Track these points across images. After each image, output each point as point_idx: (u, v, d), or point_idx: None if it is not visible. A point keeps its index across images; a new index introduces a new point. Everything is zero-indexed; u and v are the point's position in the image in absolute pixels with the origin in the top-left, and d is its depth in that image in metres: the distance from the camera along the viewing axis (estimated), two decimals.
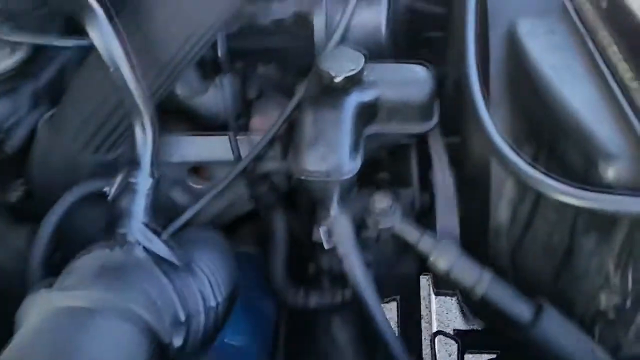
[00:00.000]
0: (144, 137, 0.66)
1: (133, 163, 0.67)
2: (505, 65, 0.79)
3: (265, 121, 1.05)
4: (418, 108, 0.81)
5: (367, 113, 0.81)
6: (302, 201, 0.98)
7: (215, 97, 0.99)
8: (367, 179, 0.85)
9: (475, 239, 0.81)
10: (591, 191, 0.56)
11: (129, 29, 0.70)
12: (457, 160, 0.90)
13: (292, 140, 0.83)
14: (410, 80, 0.81)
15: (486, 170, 0.80)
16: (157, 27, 0.69)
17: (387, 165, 0.95)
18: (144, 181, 0.66)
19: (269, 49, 1.03)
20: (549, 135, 0.67)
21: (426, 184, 0.88)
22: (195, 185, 1.07)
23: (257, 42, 1.01)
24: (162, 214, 0.74)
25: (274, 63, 1.07)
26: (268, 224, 0.94)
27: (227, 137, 1.01)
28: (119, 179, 0.66)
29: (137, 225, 0.64)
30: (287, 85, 1.08)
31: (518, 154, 0.65)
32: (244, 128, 1.06)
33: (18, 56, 0.76)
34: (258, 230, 1.11)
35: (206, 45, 0.75)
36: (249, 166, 0.95)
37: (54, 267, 0.72)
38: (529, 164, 0.63)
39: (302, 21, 0.99)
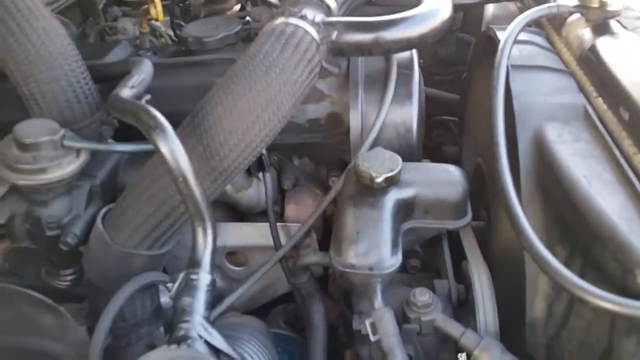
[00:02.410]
0: (204, 240, 0.71)
1: (193, 262, 0.71)
2: (534, 167, 0.85)
3: (300, 210, 1.11)
4: (453, 206, 0.86)
5: (405, 210, 0.86)
6: (338, 290, 1.02)
7: (256, 190, 1.05)
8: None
9: (508, 327, 0.83)
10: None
11: (191, 140, 0.77)
12: (481, 244, 0.94)
13: (333, 235, 0.87)
14: (446, 181, 0.87)
15: (519, 261, 0.84)
16: (219, 139, 0.76)
17: (418, 252, 1.00)
18: (204, 278, 0.70)
19: (304, 144, 1.10)
20: (584, 241, 0.72)
21: (459, 275, 0.92)
22: (233, 268, 1.11)
23: (293, 138, 1.08)
24: None
25: (307, 156, 1.14)
26: (306, 311, 0.97)
27: (262, 224, 1.07)
28: (180, 276, 0.70)
29: (198, 319, 0.67)
30: (320, 177, 1.15)
31: (555, 258, 0.69)
32: (279, 216, 1.12)
33: (82, 160, 0.82)
34: (290, 312, 1.14)
35: (260, 151, 0.81)
36: (287, 255, 1.00)
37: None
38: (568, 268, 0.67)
39: (336, 120, 1.07)
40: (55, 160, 0.79)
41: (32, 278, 0.94)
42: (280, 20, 0.86)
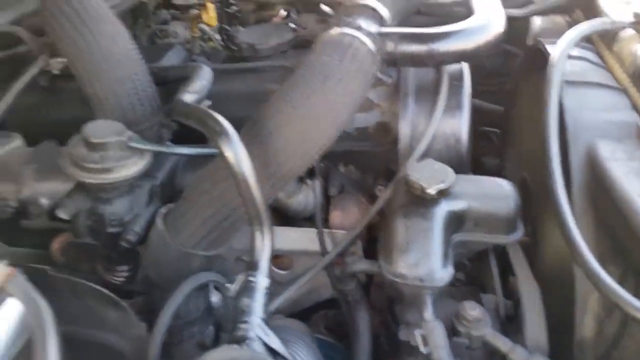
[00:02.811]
0: (262, 243, 0.73)
1: (251, 265, 0.74)
2: (586, 184, 0.85)
3: (345, 217, 1.13)
4: (504, 221, 0.87)
5: (455, 222, 0.87)
6: (381, 299, 1.03)
7: (305, 196, 1.07)
8: None
9: (554, 345, 0.83)
10: None
11: (251, 146, 0.79)
12: (528, 259, 0.94)
13: (382, 244, 0.89)
14: (497, 194, 0.88)
15: (568, 279, 0.84)
16: (279, 146, 0.79)
17: (465, 265, 1.00)
18: (262, 280, 0.72)
19: (351, 152, 1.12)
20: (638, 260, 0.72)
21: (506, 290, 0.92)
22: (278, 272, 1.14)
23: (341, 145, 1.10)
24: None
25: (354, 164, 1.16)
26: (352, 318, 0.99)
27: (307, 230, 1.09)
28: (239, 278, 0.72)
29: (256, 321, 0.69)
30: (365, 185, 1.16)
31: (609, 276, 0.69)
32: (323, 221, 1.14)
33: (145, 161, 0.85)
34: (331, 318, 1.16)
35: (316, 159, 0.83)
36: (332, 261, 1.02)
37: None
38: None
39: (384, 130, 1.09)
40: (121, 160, 0.82)
41: (87, 272, 0.98)
42: (336, 30, 0.88)
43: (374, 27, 0.90)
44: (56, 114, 1.13)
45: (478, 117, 1.57)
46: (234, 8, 1.65)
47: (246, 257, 1.11)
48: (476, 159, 1.62)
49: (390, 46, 0.90)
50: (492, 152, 1.62)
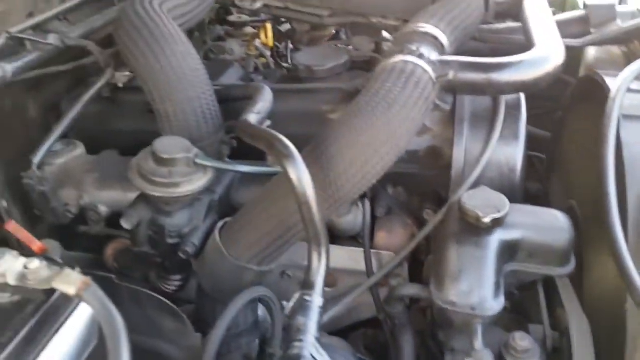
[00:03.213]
0: (319, 264, 0.75)
1: (307, 284, 0.75)
2: None
3: (390, 238, 1.14)
4: (558, 253, 0.86)
5: (508, 252, 0.87)
6: (421, 322, 1.03)
7: (354, 216, 1.09)
8: None
9: None
10: None
11: (313, 169, 0.81)
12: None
13: (432, 269, 0.89)
14: (552, 226, 0.88)
15: (618, 312, 0.82)
16: (339, 170, 0.81)
17: (514, 295, 1.00)
18: (317, 300, 0.74)
19: (400, 174, 1.12)
20: None
21: (552, 321, 0.91)
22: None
23: (391, 167, 1.11)
24: None
25: (402, 186, 1.17)
26: (396, 341, 0.99)
27: (353, 249, 1.10)
28: (296, 296, 0.74)
29: (311, 340, 0.71)
30: (412, 207, 1.17)
31: None
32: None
33: (209, 176, 0.89)
34: (370, 338, 1.16)
35: (373, 183, 0.85)
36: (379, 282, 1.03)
37: None
38: None
39: (435, 154, 1.10)
40: (188, 176, 0.86)
41: (139, 279, 1.02)
42: (399, 58, 0.90)
43: (434, 55, 0.92)
44: (117, 125, 1.18)
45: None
46: (286, 26, 1.69)
47: (290, 272, 1.13)
48: None
49: (450, 74, 0.91)
50: (535, 177, 1.60)
